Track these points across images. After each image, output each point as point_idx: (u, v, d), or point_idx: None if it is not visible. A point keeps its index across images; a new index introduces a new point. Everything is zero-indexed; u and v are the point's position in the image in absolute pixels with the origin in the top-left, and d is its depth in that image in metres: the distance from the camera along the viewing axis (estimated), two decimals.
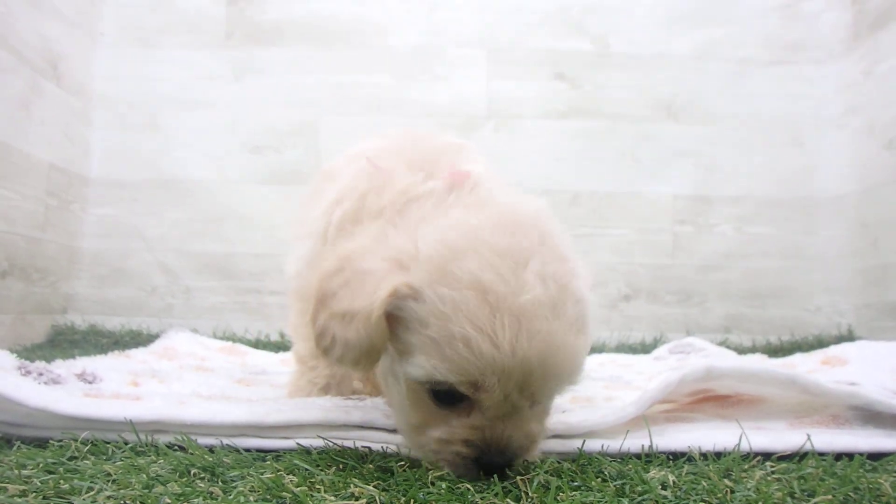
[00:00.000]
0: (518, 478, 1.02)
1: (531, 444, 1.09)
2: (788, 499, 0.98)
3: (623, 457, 1.20)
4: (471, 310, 1.00)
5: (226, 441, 1.27)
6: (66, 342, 3.19)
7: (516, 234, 1.07)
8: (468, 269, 1.02)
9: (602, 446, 1.23)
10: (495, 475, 1.04)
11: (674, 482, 1.02)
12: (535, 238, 1.08)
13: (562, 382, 1.07)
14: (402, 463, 1.09)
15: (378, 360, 1.11)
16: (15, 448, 1.24)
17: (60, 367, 1.75)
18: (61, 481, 1.01)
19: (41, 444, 1.26)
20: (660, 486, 1.01)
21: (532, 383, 1.03)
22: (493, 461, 1.06)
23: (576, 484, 1.01)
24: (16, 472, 1.07)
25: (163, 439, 1.28)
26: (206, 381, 1.98)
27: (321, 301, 1.12)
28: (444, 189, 1.23)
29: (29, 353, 2.60)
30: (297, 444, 1.25)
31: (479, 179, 1.27)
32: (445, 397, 1.07)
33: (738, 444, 1.22)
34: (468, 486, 0.98)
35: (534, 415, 1.10)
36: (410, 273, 1.06)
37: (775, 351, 3.15)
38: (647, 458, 1.18)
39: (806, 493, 1.01)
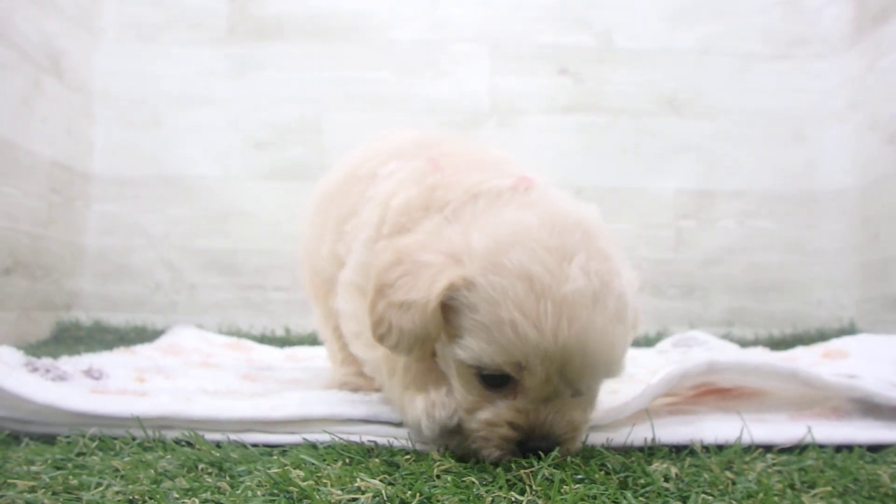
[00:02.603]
0: (522, 471, 1.02)
1: (574, 431, 1.14)
2: (789, 490, 0.99)
3: (626, 450, 1.21)
4: (518, 297, 1.07)
5: (232, 437, 1.28)
6: (71, 339, 3.20)
7: (563, 233, 1.13)
8: (517, 260, 1.09)
9: (606, 440, 1.24)
10: (541, 455, 1.08)
11: (676, 474, 1.03)
12: (579, 237, 1.14)
13: (599, 371, 1.13)
14: (408, 456, 1.10)
15: (431, 347, 1.18)
16: (23, 444, 1.26)
17: (66, 363, 1.75)
18: (70, 477, 1.02)
19: (49, 440, 1.27)
20: (662, 479, 1.02)
21: (572, 369, 1.09)
22: (536, 445, 1.10)
23: (579, 477, 1.02)
24: (24, 468, 1.08)
25: (170, 435, 1.29)
26: (212, 377, 1.98)
27: (379, 291, 1.18)
28: (506, 189, 1.28)
29: (34, 349, 2.61)
30: (304, 438, 1.26)
31: (540, 184, 1.32)
32: (492, 380, 1.13)
33: (740, 437, 1.23)
34: (473, 478, 0.99)
35: (577, 403, 1.15)
36: (464, 266, 1.12)
37: (777, 344, 3.15)
38: (650, 450, 1.19)
39: (806, 485, 1.02)
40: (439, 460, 1.07)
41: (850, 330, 3.35)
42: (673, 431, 1.28)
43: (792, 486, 1.01)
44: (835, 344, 2.21)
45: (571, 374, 1.09)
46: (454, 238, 1.18)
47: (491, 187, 1.29)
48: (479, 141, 1.61)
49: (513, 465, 1.06)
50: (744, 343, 3.15)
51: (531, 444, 1.11)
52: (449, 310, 1.14)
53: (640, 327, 1.28)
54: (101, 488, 0.97)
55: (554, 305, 1.05)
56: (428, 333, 1.14)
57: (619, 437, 1.25)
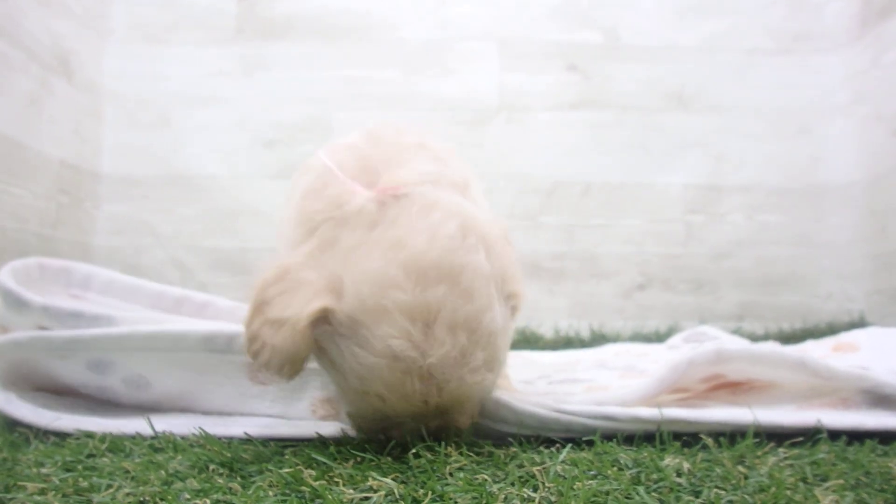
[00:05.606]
0: (534, 468, 1.03)
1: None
2: (801, 484, 0.99)
3: (638, 444, 1.21)
4: (384, 376, 1.07)
5: (251, 431, 1.31)
6: None
7: (427, 285, 1.08)
8: (381, 337, 1.07)
9: (618, 434, 1.24)
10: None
11: (688, 469, 1.03)
12: (444, 285, 1.08)
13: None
14: (420, 455, 1.10)
15: (301, 369, 1.14)
16: (33, 447, 1.26)
17: None
18: (80, 479, 1.02)
19: (59, 443, 1.28)
20: (675, 474, 1.01)
21: (447, 418, 1.15)
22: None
23: (592, 473, 1.02)
24: (34, 470, 1.08)
25: (179, 432, 1.30)
26: None
27: (257, 308, 1.15)
28: (373, 209, 1.18)
29: None
30: (317, 433, 1.28)
31: (408, 195, 1.20)
32: None
33: (751, 427, 1.23)
34: (486, 476, 0.99)
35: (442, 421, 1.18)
36: (341, 302, 1.11)
37: (787, 338, 3.13)
38: (662, 445, 1.19)
39: (818, 478, 1.02)
40: (453, 458, 1.07)
41: (859, 323, 3.33)
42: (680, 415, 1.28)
43: (804, 480, 1.01)
44: (845, 337, 2.20)
45: (446, 420, 1.16)
46: (332, 268, 1.14)
47: (355, 209, 1.19)
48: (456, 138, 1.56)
49: (525, 462, 1.06)
50: (754, 338, 3.13)
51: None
52: (323, 340, 1.14)
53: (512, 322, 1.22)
54: (111, 490, 0.97)
55: (420, 379, 1.07)
56: (298, 353, 1.10)
57: (631, 423, 1.26)
